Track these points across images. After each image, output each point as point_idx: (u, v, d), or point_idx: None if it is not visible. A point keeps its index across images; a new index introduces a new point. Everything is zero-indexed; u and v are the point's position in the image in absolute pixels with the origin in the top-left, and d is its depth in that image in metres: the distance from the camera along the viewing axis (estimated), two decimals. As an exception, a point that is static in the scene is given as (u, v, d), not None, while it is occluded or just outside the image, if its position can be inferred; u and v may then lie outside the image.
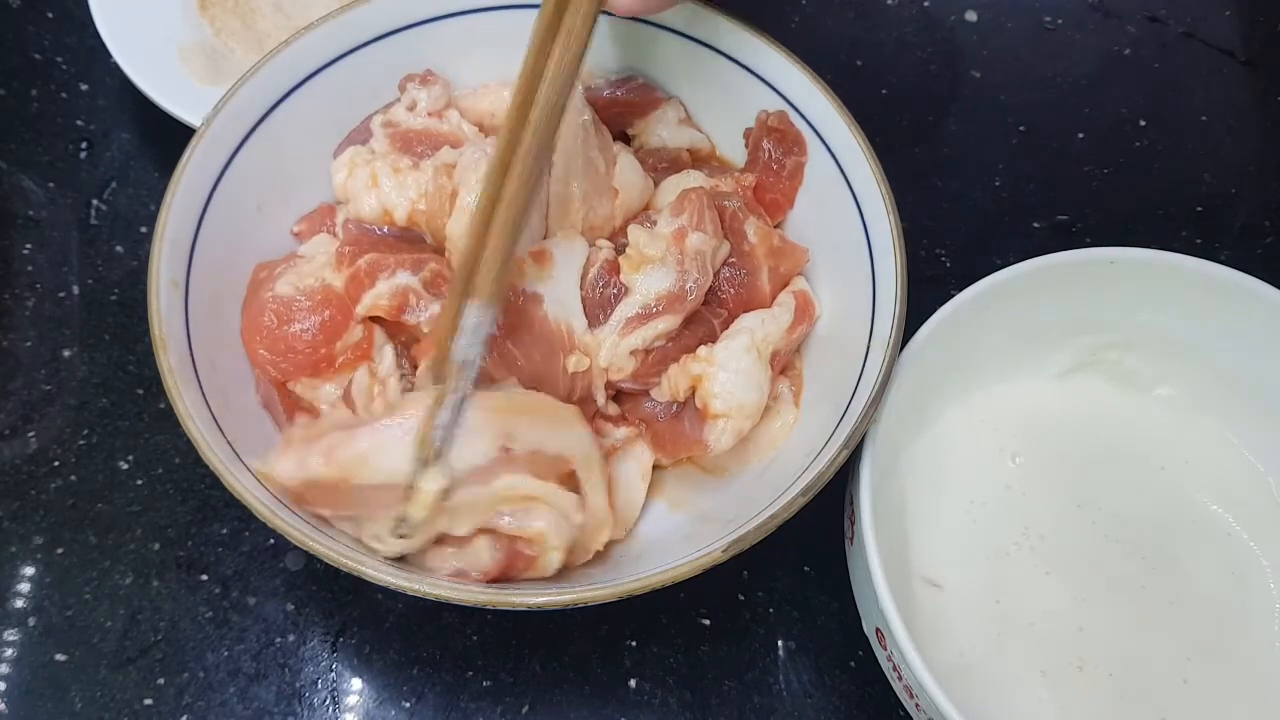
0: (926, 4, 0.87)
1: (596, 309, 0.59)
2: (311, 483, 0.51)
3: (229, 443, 0.53)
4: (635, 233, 0.58)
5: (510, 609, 0.53)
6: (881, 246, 0.59)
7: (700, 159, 0.69)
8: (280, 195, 0.63)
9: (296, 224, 0.64)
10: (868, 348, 0.58)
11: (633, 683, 0.63)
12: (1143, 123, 0.83)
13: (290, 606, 0.64)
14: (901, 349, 0.58)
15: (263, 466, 0.52)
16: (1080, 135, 0.82)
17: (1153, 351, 0.66)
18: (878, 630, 0.55)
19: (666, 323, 0.58)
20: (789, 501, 0.52)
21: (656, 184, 0.65)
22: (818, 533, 0.65)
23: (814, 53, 0.83)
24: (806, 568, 0.66)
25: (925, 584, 0.62)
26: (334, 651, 0.62)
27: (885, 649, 0.54)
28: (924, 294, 0.61)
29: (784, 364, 0.62)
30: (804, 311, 0.62)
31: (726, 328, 0.61)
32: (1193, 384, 0.67)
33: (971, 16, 0.87)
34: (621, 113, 0.67)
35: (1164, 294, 0.63)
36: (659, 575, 0.51)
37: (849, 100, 0.82)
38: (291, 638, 0.63)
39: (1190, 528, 0.64)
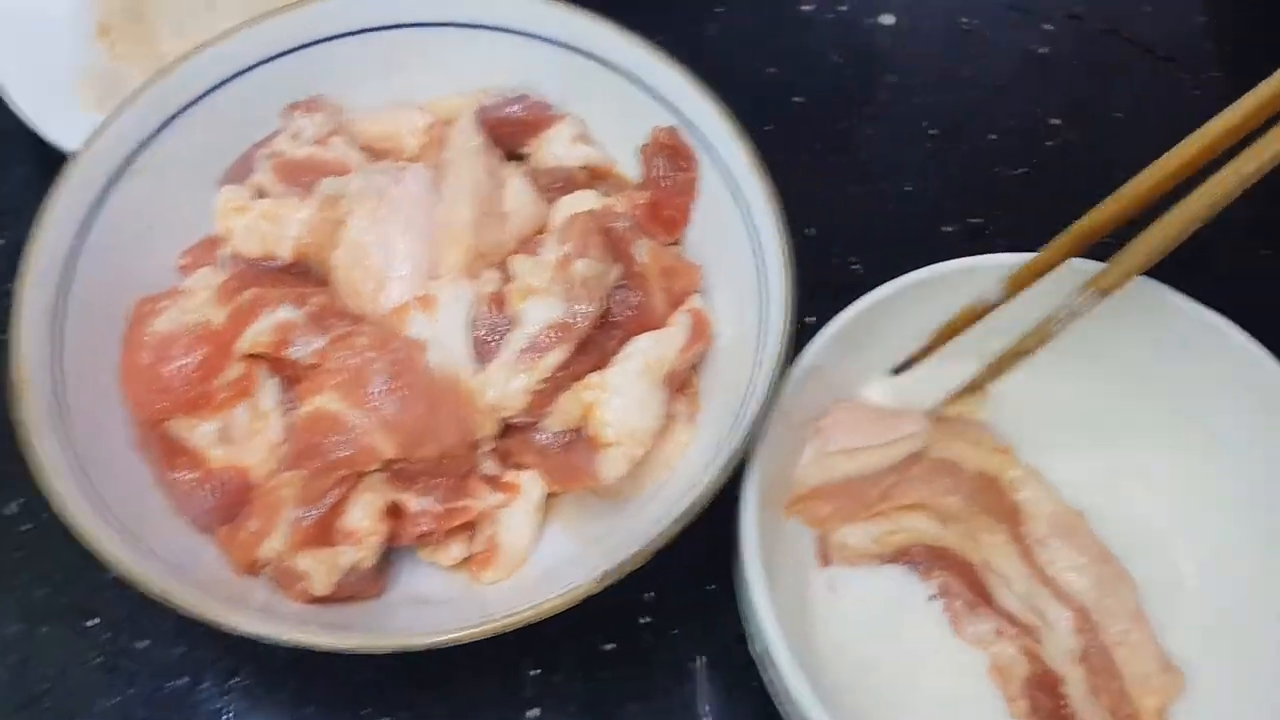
0: (843, 9, 0.86)
1: (484, 345, 0.58)
2: None
3: (95, 489, 0.52)
4: (518, 263, 0.57)
5: (368, 653, 0.52)
6: (772, 262, 0.58)
7: (598, 176, 0.67)
8: (164, 226, 0.62)
9: (181, 256, 0.63)
10: (756, 366, 0.57)
11: (534, 712, 0.62)
12: (1057, 122, 0.82)
13: (182, 649, 0.62)
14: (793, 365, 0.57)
15: None
16: (993, 137, 0.81)
17: (1063, 353, 0.65)
18: (763, 654, 0.54)
19: (556, 355, 0.57)
20: (663, 530, 0.51)
21: (552, 204, 0.64)
22: (723, 548, 0.64)
23: (728, 62, 0.84)
24: (711, 585, 0.65)
25: (827, 590, 0.61)
26: (227, 694, 0.61)
27: (767, 675, 0.54)
28: (839, 303, 0.60)
29: (680, 383, 0.62)
30: (699, 330, 0.61)
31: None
32: (1103, 385, 0.66)
33: (888, 20, 0.86)
34: (514, 132, 0.66)
35: (1061, 298, 0.62)
36: (529, 611, 0.50)
37: (763, 109, 0.82)
38: (183, 681, 0.62)
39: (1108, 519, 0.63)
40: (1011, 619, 0.60)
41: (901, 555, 0.62)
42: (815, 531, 0.62)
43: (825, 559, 0.61)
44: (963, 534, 0.62)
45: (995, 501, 0.63)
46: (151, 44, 0.78)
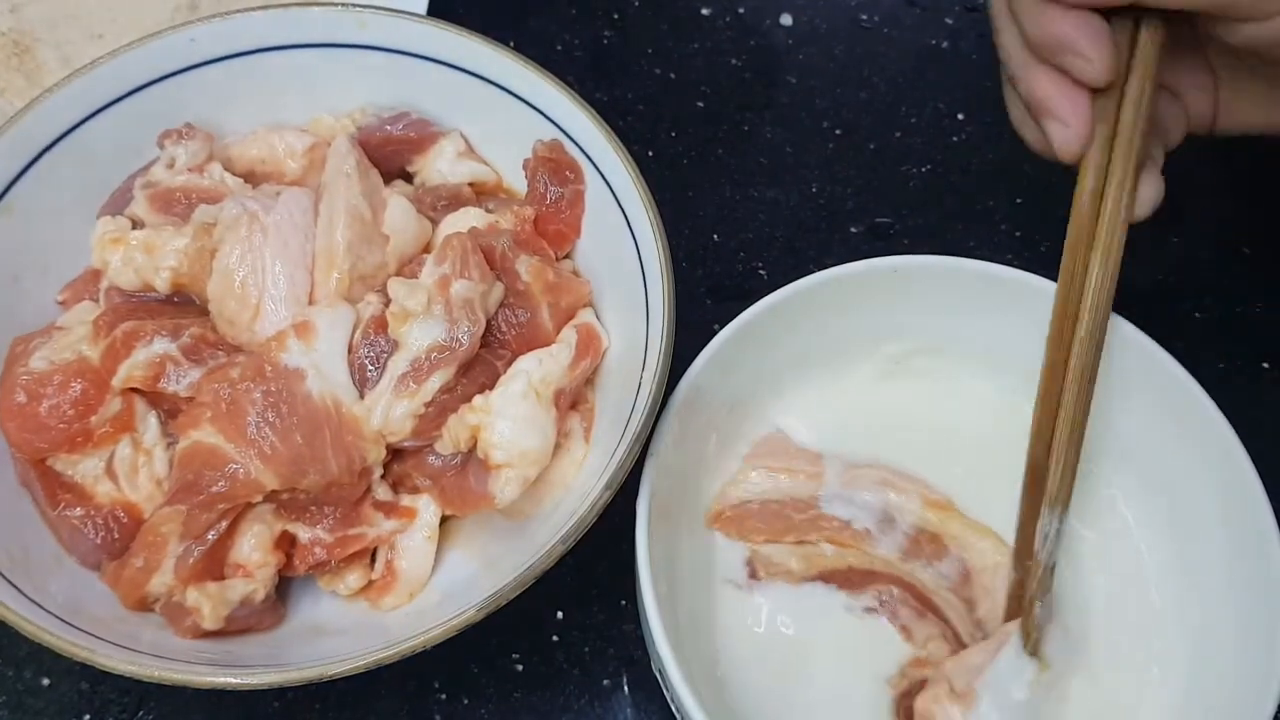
0: (741, 11, 0.86)
1: (366, 370, 0.57)
2: None
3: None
4: (395, 287, 0.56)
5: (246, 689, 0.51)
6: (652, 274, 0.58)
7: (486, 192, 0.67)
8: (40, 263, 0.61)
9: (61, 292, 0.62)
10: (640, 380, 0.56)
11: (442, 737, 0.61)
12: (960, 116, 0.82)
13: (85, 685, 0.62)
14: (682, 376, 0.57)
15: None
16: (898, 134, 0.81)
17: (961, 354, 0.65)
18: (659, 672, 0.53)
19: (439, 378, 0.56)
20: (549, 550, 0.51)
21: (439, 222, 0.64)
22: (631, 564, 0.63)
23: (629, 67, 0.83)
24: (623, 601, 0.65)
25: (730, 585, 0.60)
26: (130, 729, 0.61)
27: (668, 693, 0.53)
28: (739, 309, 0.59)
29: (574, 399, 0.61)
30: (587, 345, 0.60)
31: (510, 369, 0.60)
32: (1007, 382, 0.65)
33: (787, 20, 0.85)
34: (398, 150, 0.65)
35: (955, 297, 0.62)
36: (410, 643, 0.49)
37: (664, 114, 0.82)
38: (88, 718, 0.61)
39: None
40: (957, 634, 0.59)
41: (828, 576, 0.60)
42: (742, 548, 0.61)
43: (754, 574, 0.60)
44: (893, 564, 0.61)
45: (935, 550, 0.61)
46: (39, 78, 0.77)
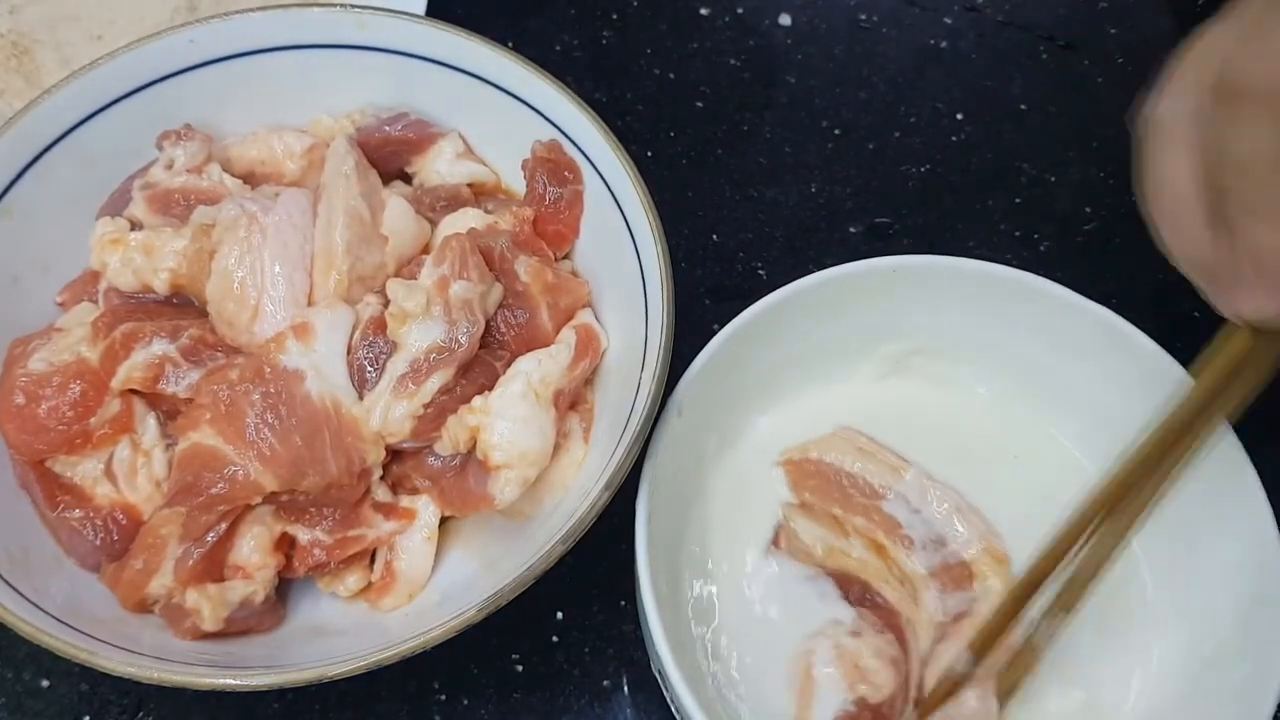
0: (740, 11, 0.86)
1: (365, 371, 0.57)
2: None
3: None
4: (394, 288, 0.56)
5: (246, 690, 0.51)
6: (651, 274, 0.58)
7: (485, 192, 0.67)
8: (40, 264, 0.61)
9: (60, 293, 0.62)
10: (639, 380, 0.56)
11: (442, 738, 0.61)
12: (960, 116, 0.82)
13: (85, 686, 0.62)
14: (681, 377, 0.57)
15: None
16: (897, 134, 0.81)
17: (960, 354, 0.65)
18: (659, 673, 0.53)
19: (438, 379, 0.56)
20: (548, 550, 0.51)
21: (438, 223, 0.64)
22: (631, 563, 0.63)
23: (628, 68, 0.83)
24: (623, 602, 0.65)
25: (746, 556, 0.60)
26: (129, 731, 0.61)
27: (668, 693, 0.53)
28: (739, 309, 0.59)
29: (573, 400, 0.61)
30: (586, 346, 0.60)
31: (510, 369, 0.60)
32: (1005, 383, 0.65)
33: (785, 20, 0.85)
34: (397, 151, 0.65)
35: (954, 297, 0.62)
36: (409, 644, 0.49)
37: (663, 114, 0.82)
38: (87, 719, 0.61)
39: (1026, 521, 0.63)
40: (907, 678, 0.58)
41: (839, 577, 0.60)
42: (775, 515, 0.61)
43: (776, 541, 0.60)
44: (908, 596, 0.60)
45: (959, 582, 0.60)
46: (39, 79, 0.77)
